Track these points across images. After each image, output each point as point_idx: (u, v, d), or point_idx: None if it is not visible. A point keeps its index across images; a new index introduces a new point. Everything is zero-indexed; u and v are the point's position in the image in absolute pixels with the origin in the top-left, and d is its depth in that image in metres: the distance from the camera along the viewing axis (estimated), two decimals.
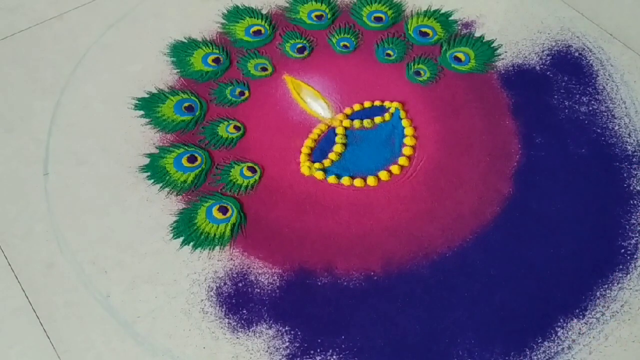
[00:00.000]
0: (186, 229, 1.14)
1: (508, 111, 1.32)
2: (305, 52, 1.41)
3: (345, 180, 1.20)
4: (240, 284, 1.08)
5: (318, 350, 1.02)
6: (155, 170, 1.22)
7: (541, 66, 1.39)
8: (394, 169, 1.22)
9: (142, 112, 1.30)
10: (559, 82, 1.36)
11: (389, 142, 1.27)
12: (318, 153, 1.25)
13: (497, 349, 1.02)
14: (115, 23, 1.46)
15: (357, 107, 1.32)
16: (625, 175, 1.22)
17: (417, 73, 1.37)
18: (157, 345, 1.02)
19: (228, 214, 1.15)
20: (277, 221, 1.15)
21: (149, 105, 1.31)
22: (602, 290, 1.08)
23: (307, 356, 1.02)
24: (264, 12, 1.49)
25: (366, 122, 1.29)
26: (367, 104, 1.32)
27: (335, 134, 1.27)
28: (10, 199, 1.18)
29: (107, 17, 1.47)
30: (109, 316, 1.04)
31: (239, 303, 1.07)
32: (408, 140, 1.26)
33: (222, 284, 1.08)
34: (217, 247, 1.12)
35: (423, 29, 1.46)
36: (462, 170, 1.23)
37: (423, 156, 1.25)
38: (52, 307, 1.05)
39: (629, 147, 1.26)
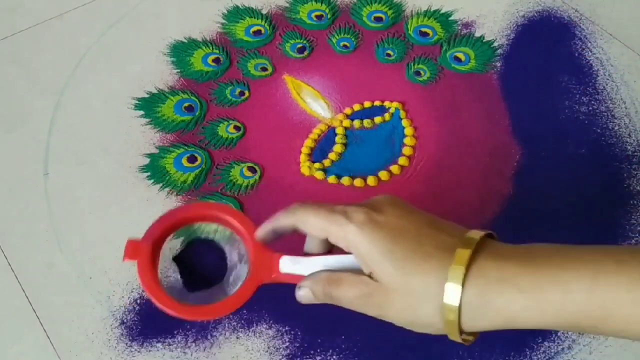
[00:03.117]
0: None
1: (508, 111, 1.32)
2: (305, 52, 1.41)
3: (345, 180, 1.20)
4: None
5: (318, 350, 1.02)
6: (155, 170, 1.22)
7: (541, 66, 1.39)
8: (394, 169, 1.22)
9: (142, 112, 1.30)
10: (559, 82, 1.37)
11: (389, 142, 1.27)
12: (318, 153, 1.25)
13: (497, 349, 1.02)
14: (115, 23, 1.46)
15: (357, 107, 1.32)
16: (625, 175, 1.22)
17: (417, 73, 1.38)
18: (158, 345, 1.02)
19: None
20: None
21: (149, 105, 1.31)
22: None
23: (307, 356, 1.02)
24: (264, 12, 1.49)
25: (366, 122, 1.29)
26: (367, 104, 1.32)
27: (335, 134, 1.27)
28: (10, 199, 1.18)
29: (107, 17, 1.47)
30: (110, 316, 1.04)
31: None
32: (408, 140, 1.26)
33: None
34: None
35: (423, 29, 1.46)
36: (462, 171, 1.23)
37: (423, 156, 1.25)
38: (52, 307, 1.05)
39: (629, 147, 1.26)
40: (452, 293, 0.50)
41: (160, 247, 0.66)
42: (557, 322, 0.50)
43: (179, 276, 0.67)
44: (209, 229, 0.70)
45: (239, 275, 0.67)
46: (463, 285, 0.50)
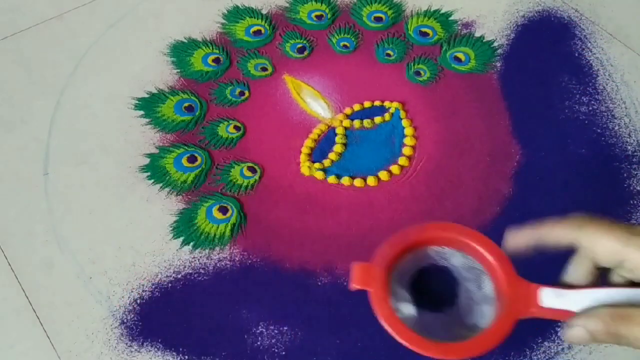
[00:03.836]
0: (186, 229, 1.14)
1: (508, 111, 1.32)
2: (305, 52, 1.41)
3: (345, 180, 1.20)
4: (240, 284, 1.08)
5: (318, 350, 1.02)
6: (155, 170, 1.22)
7: (541, 66, 1.39)
8: (394, 169, 1.22)
9: (142, 112, 1.30)
10: (559, 82, 1.36)
11: (389, 142, 1.27)
12: (318, 153, 1.25)
13: (497, 349, 1.02)
14: (115, 23, 1.46)
15: (357, 107, 1.32)
16: (625, 175, 1.22)
17: (417, 73, 1.37)
18: (158, 345, 1.02)
19: (228, 214, 1.15)
20: (277, 221, 1.15)
21: (149, 105, 1.31)
22: None
23: (307, 356, 1.01)
24: (264, 12, 1.49)
25: (366, 122, 1.29)
26: (367, 104, 1.32)
27: (335, 134, 1.27)
28: (10, 199, 1.18)
29: (107, 17, 1.47)
30: (109, 316, 1.04)
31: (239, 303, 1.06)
32: (408, 140, 1.26)
33: None
34: (217, 247, 1.12)
35: (423, 29, 1.46)
36: (462, 171, 1.23)
37: (423, 156, 1.25)
38: (52, 307, 1.05)
39: (629, 147, 1.26)
40: None
41: (390, 272, 0.58)
42: None
43: (410, 305, 0.59)
44: (442, 252, 0.60)
45: (478, 303, 0.58)
46: None
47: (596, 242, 0.50)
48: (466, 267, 0.60)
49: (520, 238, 0.56)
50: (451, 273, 0.61)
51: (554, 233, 0.53)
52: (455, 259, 0.60)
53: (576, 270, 0.54)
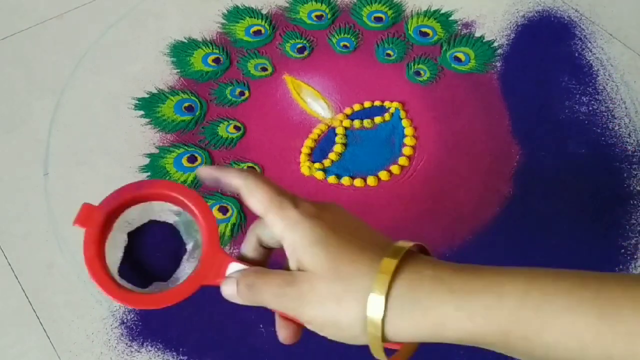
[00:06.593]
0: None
1: (508, 111, 1.32)
2: (305, 52, 1.41)
3: (345, 180, 1.20)
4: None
5: (318, 351, 1.02)
6: (155, 170, 1.22)
7: (541, 66, 1.39)
8: (394, 169, 1.22)
9: (142, 112, 1.30)
10: (559, 82, 1.37)
11: (389, 142, 1.27)
12: (318, 153, 1.25)
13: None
14: (115, 23, 1.46)
15: (357, 107, 1.32)
16: (625, 175, 1.22)
17: (417, 73, 1.38)
18: (158, 345, 1.02)
19: (228, 214, 1.15)
20: None
21: (149, 105, 1.31)
22: None
23: (307, 356, 1.01)
24: (264, 12, 1.49)
25: (366, 122, 1.29)
26: (367, 104, 1.32)
27: (335, 134, 1.27)
28: (10, 199, 1.18)
29: (107, 17, 1.47)
30: (110, 316, 1.04)
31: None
32: (408, 140, 1.26)
33: None
34: None
35: (423, 29, 1.46)
36: (462, 171, 1.23)
37: (423, 156, 1.25)
38: (52, 307, 1.05)
39: (629, 147, 1.26)
40: (381, 284, 0.47)
41: (115, 218, 0.59)
42: (487, 330, 0.46)
43: (120, 253, 0.60)
44: (171, 210, 0.61)
45: (185, 268, 0.60)
46: (393, 277, 0.47)
47: (251, 194, 0.54)
48: (188, 227, 0.62)
49: (208, 169, 0.58)
50: (178, 231, 0.62)
51: (226, 177, 0.56)
52: (179, 217, 0.62)
53: (246, 244, 0.59)
